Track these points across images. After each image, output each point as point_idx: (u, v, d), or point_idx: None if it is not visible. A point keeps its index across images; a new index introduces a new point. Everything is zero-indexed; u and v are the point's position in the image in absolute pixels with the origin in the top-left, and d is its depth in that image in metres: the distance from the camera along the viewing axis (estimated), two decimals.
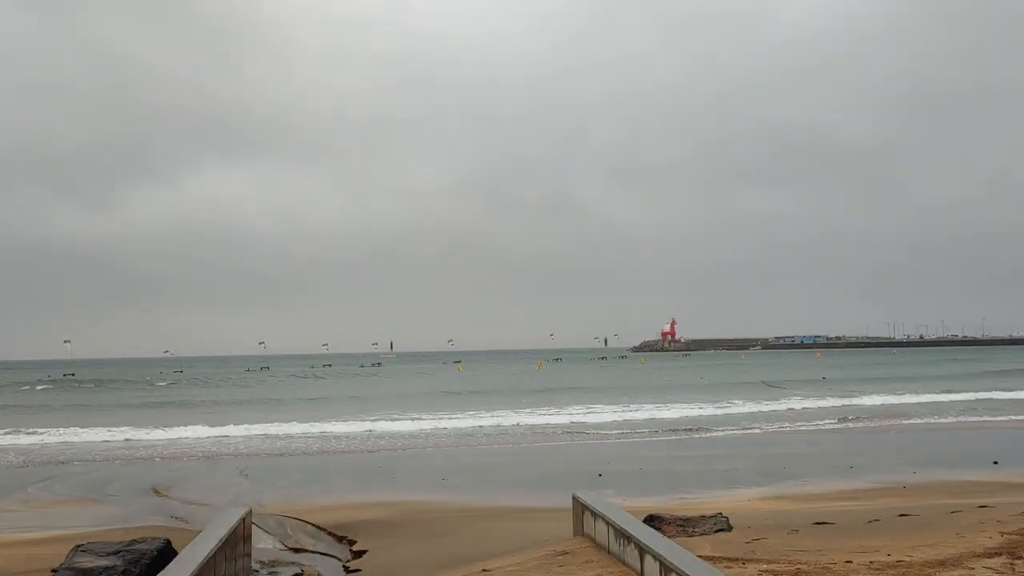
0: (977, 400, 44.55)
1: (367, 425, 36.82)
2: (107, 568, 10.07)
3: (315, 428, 35.71)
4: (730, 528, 12.00)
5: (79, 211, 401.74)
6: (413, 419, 39.91)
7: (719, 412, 40.97)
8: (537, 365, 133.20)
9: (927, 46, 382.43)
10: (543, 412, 42.81)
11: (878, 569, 8.73)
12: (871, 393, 51.02)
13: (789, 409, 42.08)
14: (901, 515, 12.94)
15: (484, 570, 10.13)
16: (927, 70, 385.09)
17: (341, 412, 44.87)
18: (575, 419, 39.16)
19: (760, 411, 41.04)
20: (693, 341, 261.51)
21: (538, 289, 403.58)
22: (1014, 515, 11.68)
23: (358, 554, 13.83)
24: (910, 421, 34.83)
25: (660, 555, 7.77)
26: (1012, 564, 8.61)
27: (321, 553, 14.31)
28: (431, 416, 41.17)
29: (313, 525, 16.15)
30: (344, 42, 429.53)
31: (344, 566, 13.25)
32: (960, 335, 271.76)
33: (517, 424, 37.10)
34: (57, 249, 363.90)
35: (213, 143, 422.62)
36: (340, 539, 15.16)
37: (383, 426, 36.33)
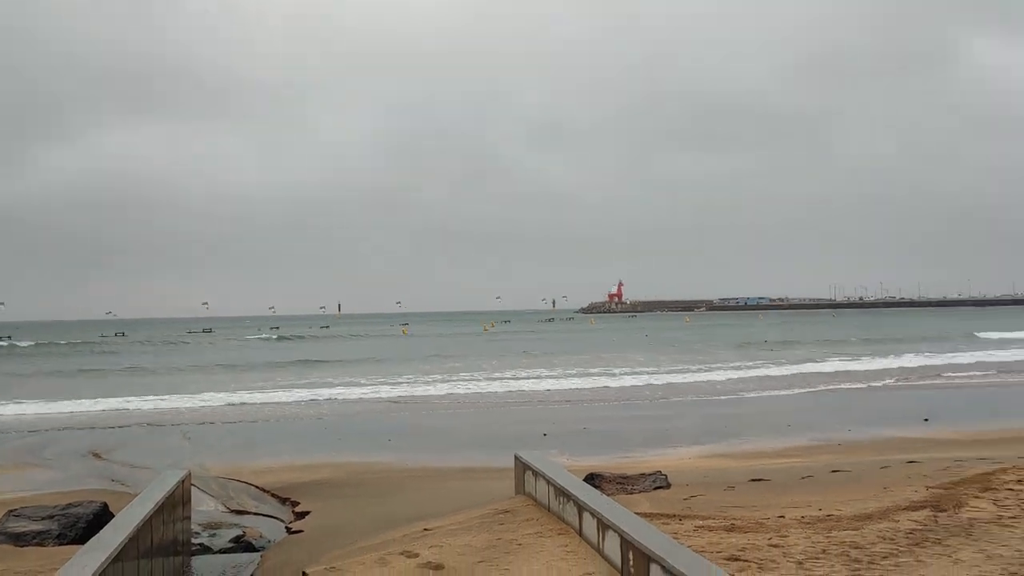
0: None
1: (314, 390, 36.64)
2: (41, 532, 9.92)
3: (260, 393, 35.41)
4: (668, 485, 12.24)
5: None
6: (361, 383, 39.81)
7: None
8: (485, 327, 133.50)
9: (847, 10, 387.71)
10: (494, 375, 43.03)
11: (808, 523, 8.99)
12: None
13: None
14: (834, 471, 13.32)
15: (425, 529, 10.20)
16: (846, 34, 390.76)
17: (287, 377, 44.56)
18: (521, 382, 39.42)
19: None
20: (640, 303, 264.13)
21: (482, 251, 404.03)
22: (940, 470, 12.09)
23: (301, 515, 13.82)
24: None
25: (597, 512, 7.89)
26: (935, 516, 8.92)
27: (264, 515, 14.27)
28: (378, 380, 41.12)
29: (256, 487, 16.08)
30: (256, 2, 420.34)
31: (287, 527, 13.24)
32: (897, 297, 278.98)
33: (466, 387, 37.24)
34: None
35: (120, 103, 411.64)
36: (283, 500, 15.13)
37: (329, 391, 36.15)
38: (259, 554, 11.58)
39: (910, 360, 46.53)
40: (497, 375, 42.86)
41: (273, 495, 15.54)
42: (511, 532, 9.19)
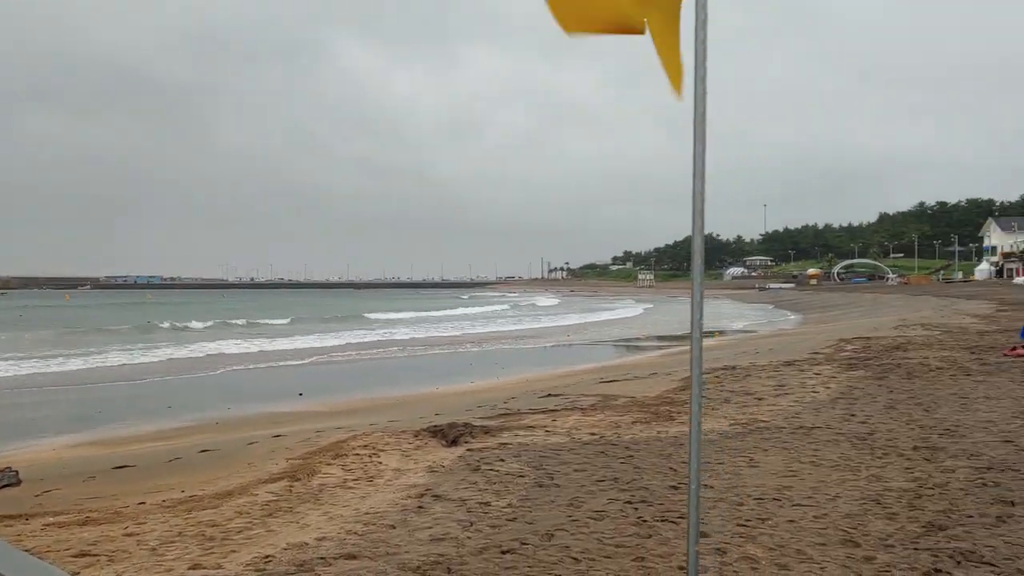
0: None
1: None
2: None
3: None
4: (19, 482, 11.10)
5: None
6: None
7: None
8: None
9: None
10: None
11: (170, 506, 8.95)
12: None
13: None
14: (203, 451, 13.47)
15: None
16: (230, 18, 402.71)
17: None
18: None
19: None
20: (13, 279, 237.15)
21: None
22: (301, 442, 13.04)
23: None
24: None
25: None
26: (291, 486, 9.60)
27: None
28: None
29: None
30: None
31: None
32: (286, 279, 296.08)
33: None
34: None
35: None
36: None
37: None
38: None
39: (308, 341, 47.90)
40: None
41: None
42: None
